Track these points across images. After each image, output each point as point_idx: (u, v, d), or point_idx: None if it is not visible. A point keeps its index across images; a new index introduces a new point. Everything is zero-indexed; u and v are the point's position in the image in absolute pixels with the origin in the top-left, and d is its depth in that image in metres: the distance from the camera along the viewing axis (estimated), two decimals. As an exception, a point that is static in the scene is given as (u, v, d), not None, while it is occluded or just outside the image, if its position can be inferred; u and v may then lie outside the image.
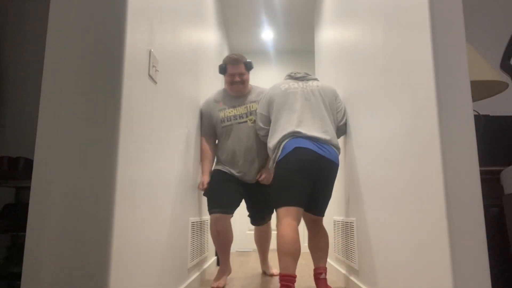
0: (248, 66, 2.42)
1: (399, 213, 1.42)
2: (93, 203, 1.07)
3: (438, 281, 1.13)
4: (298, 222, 1.86)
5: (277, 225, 1.85)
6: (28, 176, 1.97)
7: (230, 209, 2.29)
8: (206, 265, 2.65)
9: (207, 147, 2.46)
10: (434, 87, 1.15)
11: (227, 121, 2.42)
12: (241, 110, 2.42)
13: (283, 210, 1.85)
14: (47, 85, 1.13)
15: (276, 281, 2.49)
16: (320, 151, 1.92)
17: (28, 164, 2.01)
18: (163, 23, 1.60)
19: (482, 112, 2.20)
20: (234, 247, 4.31)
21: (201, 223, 2.49)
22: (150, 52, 1.38)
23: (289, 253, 1.76)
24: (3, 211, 2.06)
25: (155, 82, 1.46)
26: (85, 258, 1.05)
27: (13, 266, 2.02)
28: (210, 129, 2.48)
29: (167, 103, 1.65)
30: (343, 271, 2.33)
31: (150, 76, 1.39)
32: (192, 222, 2.19)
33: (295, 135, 1.96)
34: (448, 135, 1.13)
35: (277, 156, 1.97)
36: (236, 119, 2.41)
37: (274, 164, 2.00)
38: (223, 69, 2.42)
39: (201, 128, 2.50)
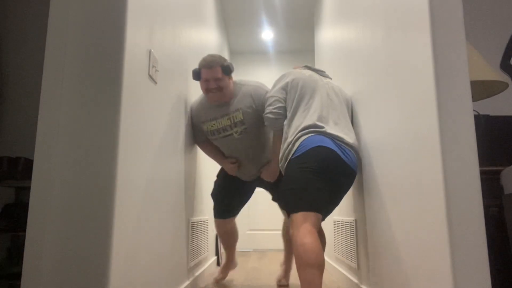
0: (226, 70, 1.99)
1: (399, 213, 1.42)
2: (93, 203, 1.07)
3: (438, 281, 1.13)
4: (318, 230, 1.57)
5: (293, 233, 1.52)
6: (28, 176, 1.97)
7: (228, 215, 2.36)
8: (206, 265, 2.65)
9: (207, 148, 2.32)
10: (434, 87, 1.15)
11: (211, 135, 2.15)
12: (224, 122, 2.09)
13: (301, 215, 1.53)
14: (47, 85, 1.13)
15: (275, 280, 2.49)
16: (343, 156, 1.64)
17: (28, 164, 2.01)
18: (163, 23, 1.59)
19: (482, 112, 2.20)
20: (234, 247, 4.31)
21: (201, 223, 2.49)
22: (150, 52, 1.38)
23: (315, 265, 1.43)
24: (3, 211, 2.06)
25: (155, 82, 1.46)
26: (85, 258, 1.05)
27: (13, 266, 2.02)
28: (202, 136, 2.27)
29: (167, 103, 1.65)
30: (343, 271, 2.33)
31: (150, 76, 1.39)
32: (192, 222, 2.19)
33: (318, 131, 1.66)
34: (448, 135, 1.13)
35: (293, 152, 1.66)
36: (220, 133, 2.11)
37: (287, 162, 1.70)
38: (196, 75, 2.01)
39: (194, 136, 2.27)
